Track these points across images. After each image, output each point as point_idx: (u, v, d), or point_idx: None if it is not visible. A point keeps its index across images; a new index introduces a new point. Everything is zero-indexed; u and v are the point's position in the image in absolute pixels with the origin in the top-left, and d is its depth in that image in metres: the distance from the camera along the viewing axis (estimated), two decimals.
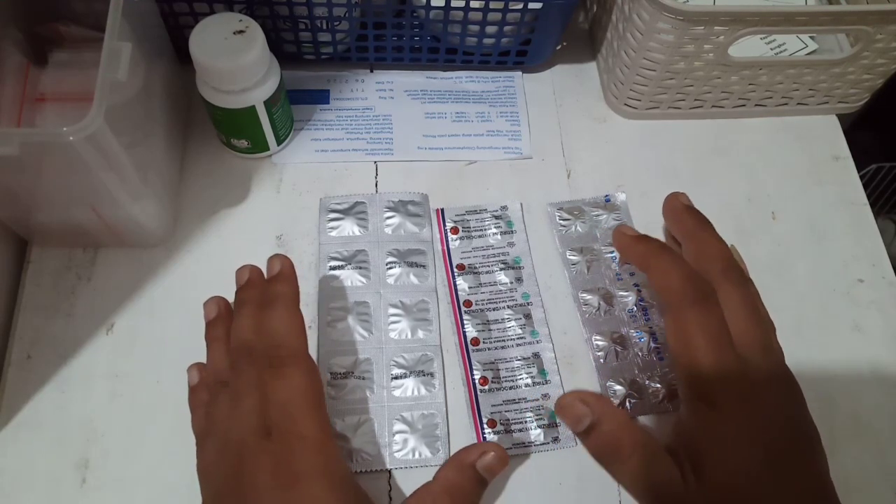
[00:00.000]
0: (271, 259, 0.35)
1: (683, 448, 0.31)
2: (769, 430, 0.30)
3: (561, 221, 0.42)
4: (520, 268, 0.40)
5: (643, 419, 0.37)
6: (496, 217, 0.42)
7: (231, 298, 0.37)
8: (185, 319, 0.38)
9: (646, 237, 0.37)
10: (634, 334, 0.39)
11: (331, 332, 0.38)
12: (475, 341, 0.38)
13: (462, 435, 0.36)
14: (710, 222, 0.36)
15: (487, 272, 0.40)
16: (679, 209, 0.38)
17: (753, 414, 0.30)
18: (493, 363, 0.38)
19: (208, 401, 0.34)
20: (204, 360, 0.36)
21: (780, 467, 0.29)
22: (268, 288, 0.34)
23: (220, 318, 0.35)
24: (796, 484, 0.29)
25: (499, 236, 0.41)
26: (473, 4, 0.40)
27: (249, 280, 0.35)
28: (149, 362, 0.37)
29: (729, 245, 0.36)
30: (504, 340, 0.38)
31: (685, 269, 0.33)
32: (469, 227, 0.41)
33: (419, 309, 0.39)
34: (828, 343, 0.40)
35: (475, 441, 0.36)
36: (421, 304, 0.39)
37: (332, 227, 0.41)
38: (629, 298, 0.40)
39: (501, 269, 0.40)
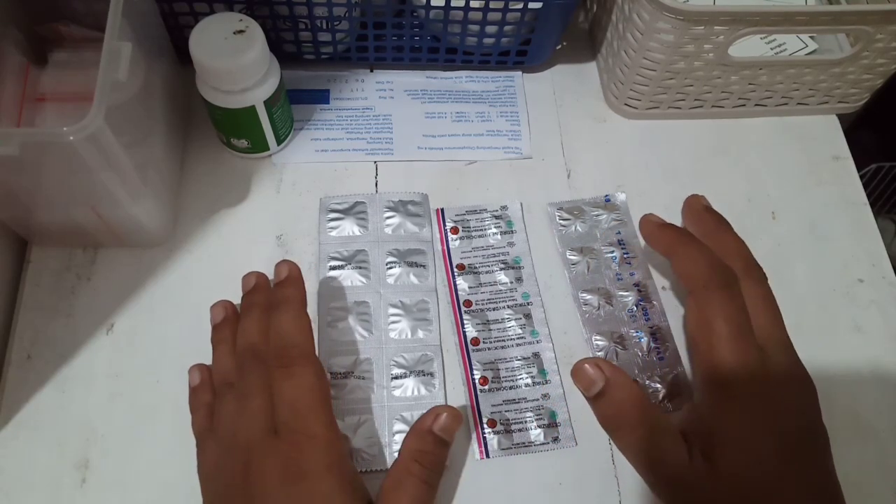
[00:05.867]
0: (279, 265, 0.36)
1: (696, 432, 0.31)
2: (784, 424, 0.31)
3: (561, 221, 0.42)
4: (520, 268, 0.40)
5: None
6: (496, 217, 0.42)
7: (232, 298, 0.37)
8: (185, 319, 0.38)
9: (672, 225, 0.37)
10: (634, 334, 0.39)
11: (331, 332, 0.38)
12: (475, 341, 0.38)
13: (462, 434, 0.36)
14: (728, 223, 0.37)
15: (487, 272, 0.40)
16: (699, 209, 0.39)
17: (769, 407, 0.31)
18: (493, 363, 0.38)
19: (211, 401, 0.34)
20: (204, 359, 0.36)
21: (792, 460, 0.30)
22: (276, 292, 0.35)
23: (227, 321, 0.36)
24: (806, 477, 0.30)
25: (499, 236, 0.41)
26: (473, 4, 0.40)
27: (256, 285, 0.36)
28: (149, 362, 0.37)
29: None
30: (504, 340, 0.38)
31: (711, 257, 0.34)
32: (469, 227, 0.41)
33: (419, 309, 0.39)
34: (828, 343, 0.40)
35: (475, 441, 0.36)
36: (421, 304, 0.39)
37: (332, 227, 0.41)
38: (629, 298, 0.40)
39: (501, 269, 0.40)
